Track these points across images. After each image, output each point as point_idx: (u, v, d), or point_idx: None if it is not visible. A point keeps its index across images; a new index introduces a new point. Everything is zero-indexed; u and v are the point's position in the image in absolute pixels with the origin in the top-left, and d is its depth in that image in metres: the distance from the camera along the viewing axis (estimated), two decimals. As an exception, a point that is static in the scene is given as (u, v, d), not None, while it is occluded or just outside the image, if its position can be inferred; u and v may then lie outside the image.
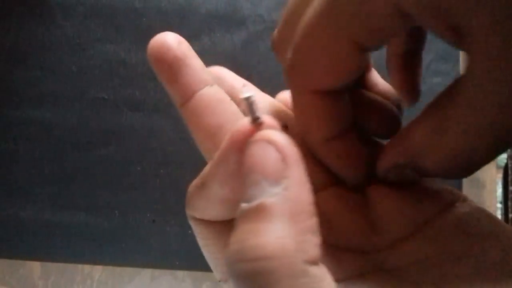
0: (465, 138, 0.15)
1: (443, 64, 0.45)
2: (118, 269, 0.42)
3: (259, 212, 0.13)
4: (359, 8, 0.14)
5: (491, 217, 0.17)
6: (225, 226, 0.17)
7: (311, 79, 0.17)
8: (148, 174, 0.44)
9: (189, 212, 0.18)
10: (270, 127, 0.14)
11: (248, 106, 0.15)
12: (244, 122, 0.15)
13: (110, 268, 0.42)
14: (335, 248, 0.17)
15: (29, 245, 0.43)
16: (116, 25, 0.47)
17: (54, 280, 0.42)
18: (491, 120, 0.14)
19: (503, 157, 0.43)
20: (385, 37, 0.16)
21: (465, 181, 0.43)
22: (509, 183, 0.43)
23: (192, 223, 0.18)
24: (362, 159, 0.18)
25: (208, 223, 0.18)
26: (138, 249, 0.42)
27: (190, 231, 0.43)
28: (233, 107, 0.18)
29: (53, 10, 0.47)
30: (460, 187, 0.43)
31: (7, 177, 0.44)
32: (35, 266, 0.43)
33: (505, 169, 0.43)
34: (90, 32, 0.47)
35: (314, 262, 0.13)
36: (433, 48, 0.45)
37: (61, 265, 0.42)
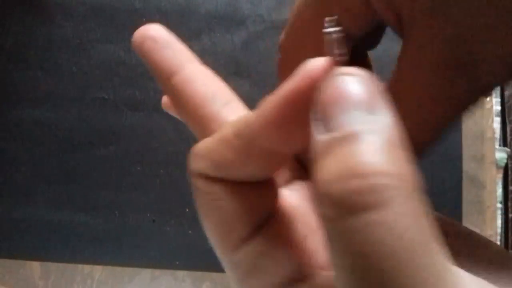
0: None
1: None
2: (118, 269, 0.42)
3: (353, 138, 0.12)
4: None
5: None
6: (243, 186, 0.15)
7: (298, 60, 0.15)
8: (148, 174, 0.44)
9: (202, 168, 0.16)
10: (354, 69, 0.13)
11: (331, 42, 0.13)
12: (321, 59, 0.13)
13: (110, 268, 0.42)
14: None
15: (29, 245, 0.43)
16: (116, 25, 0.47)
17: (54, 280, 0.42)
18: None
19: (503, 157, 0.43)
20: (358, 24, 0.16)
21: (465, 181, 0.43)
22: (509, 183, 0.43)
23: (200, 183, 0.16)
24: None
25: (225, 182, 0.16)
26: (138, 249, 0.42)
27: (190, 231, 0.43)
28: (223, 82, 0.18)
29: (53, 10, 0.47)
30: (460, 187, 0.43)
31: (7, 177, 0.44)
32: (35, 266, 0.43)
33: (505, 169, 0.43)
34: (90, 32, 0.47)
35: (421, 189, 0.12)
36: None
37: (61, 265, 0.42)
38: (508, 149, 0.44)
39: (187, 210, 0.43)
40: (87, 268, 0.42)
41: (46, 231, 0.43)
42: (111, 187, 0.44)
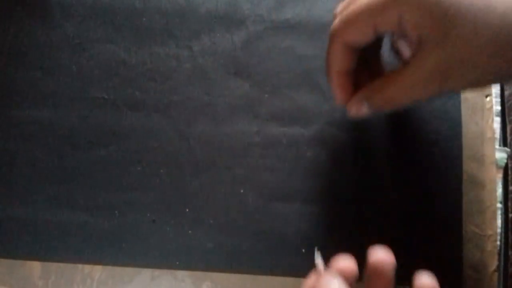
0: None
1: (443, 64, 0.45)
2: (118, 269, 0.42)
3: None
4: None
5: None
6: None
7: (346, 34, 0.31)
8: (148, 174, 0.44)
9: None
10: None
11: (319, 260, 0.29)
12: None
13: (110, 268, 0.42)
14: None
15: (29, 245, 0.43)
16: (116, 25, 0.47)
17: (54, 280, 0.42)
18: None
19: (503, 157, 0.43)
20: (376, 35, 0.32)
21: (465, 181, 0.43)
22: (509, 183, 0.43)
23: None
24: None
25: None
26: (138, 249, 0.42)
27: (190, 231, 0.43)
28: None
29: (53, 10, 0.48)
30: (460, 187, 0.43)
31: (7, 177, 0.44)
32: (35, 266, 0.43)
33: (505, 169, 0.43)
34: (90, 32, 0.47)
35: None
36: (433, 48, 0.45)
37: (61, 265, 0.42)
38: (508, 149, 0.44)
39: (187, 210, 0.43)
40: (87, 268, 0.42)
41: (46, 231, 0.43)
42: (111, 187, 0.44)
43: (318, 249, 0.30)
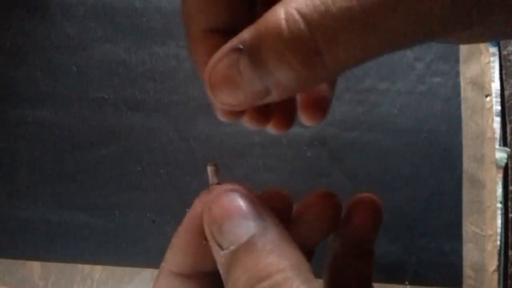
0: None
1: (443, 64, 0.45)
2: (118, 269, 0.42)
3: (249, 245, 0.15)
4: None
5: None
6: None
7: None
8: (148, 174, 0.44)
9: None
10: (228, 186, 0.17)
11: (210, 174, 0.19)
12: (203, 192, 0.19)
13: (110, 268, 0.42)
14: None
15: (29, 245, 0.43)
16: (116, 25, 0.47)
17: (54, 280, 0.42)
18: None
19: (503, 157, 0.43)
20: None
21: (465, 181, 0.43)
22: (509, 183, 0.43)
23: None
24: None
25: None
26: (138, 249, 0.42)
27: (190, 231, 0.43)
28: None
29: (53, 10, 0.47)
30: (460, 187, 0.43)
31: (7, 177, 0.44)
32: (35, 266, 0.43)
33: (505, 169, 0.43)
34: (90, 32, 0.47)
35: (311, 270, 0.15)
36: (433, 48, 0.45)
37: (61, 265, 0.42)
38: (508, 149, 0.44)
39: (187, 210, 0.43)
40: (87, 268, 0.42)
41: (46, 231, 0.43)
42: (111, 187, 0.44)
43: (213, 164, 0.19)
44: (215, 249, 0.16)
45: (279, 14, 0.13)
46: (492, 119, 0.44)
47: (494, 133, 0.44)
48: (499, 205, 0.42)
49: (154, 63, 0.46)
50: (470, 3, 0.12)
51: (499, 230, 0.42)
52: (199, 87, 0.45)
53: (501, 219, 0.42)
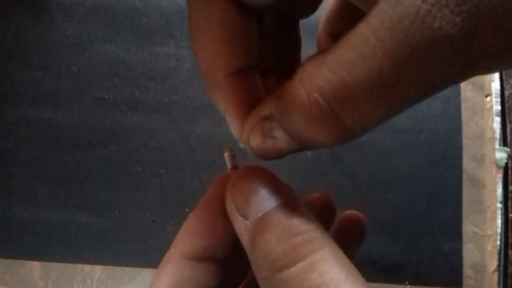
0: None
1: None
2: (118, 269, 0.42)
3: (274, 214, 0.16)
4: None
5: None
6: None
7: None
8: (148, 174, 0.44)
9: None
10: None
11: (228, 159, 0.21)
12: (222, 175, 0.20)
13: (110, 268, 0.42)
14: None
15: (29, 245, 0.43)
16: (116, 25, 0.47)
17: (54, 280, 0.42)
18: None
19: (503, 157, 0.43)
20: None
21: (465, 181, 0.43)
22: (509, 183, 0.43)
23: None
24: (254, 102, 0.18)
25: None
26: (138, 249, 0.42)
27: (190, 231, 0.43)
28: None
29: (53, 10, 0.47)
30: (460, 187, 0.43)
31: (7, 177, 0.44)
32: (35, 266, 0.43)
33: (505, 169, 0.43)
34: (90, 32, 0.47)
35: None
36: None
37: (61, 265, 0.42)
38: (508, 149, 0.44)
39: (187, 210, 0.43)
40: (87, 268, 0.42)
41: (46, 231, 0.43)
42: (111, 187, 0.44)
43: (229, 150, 0.20)
44: (238, 221, 0.17)
45: (302, 95, 0.15)
46: (492, 119, 0.44)
47: (494, 133, 0.44)
48: (499, 205, 0.42)
49: (154, 63, 0.46)
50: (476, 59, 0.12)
51: (499, 230, 0.42)
52: (199, 87, 0.45)
53: (501, 219, 0.42)
